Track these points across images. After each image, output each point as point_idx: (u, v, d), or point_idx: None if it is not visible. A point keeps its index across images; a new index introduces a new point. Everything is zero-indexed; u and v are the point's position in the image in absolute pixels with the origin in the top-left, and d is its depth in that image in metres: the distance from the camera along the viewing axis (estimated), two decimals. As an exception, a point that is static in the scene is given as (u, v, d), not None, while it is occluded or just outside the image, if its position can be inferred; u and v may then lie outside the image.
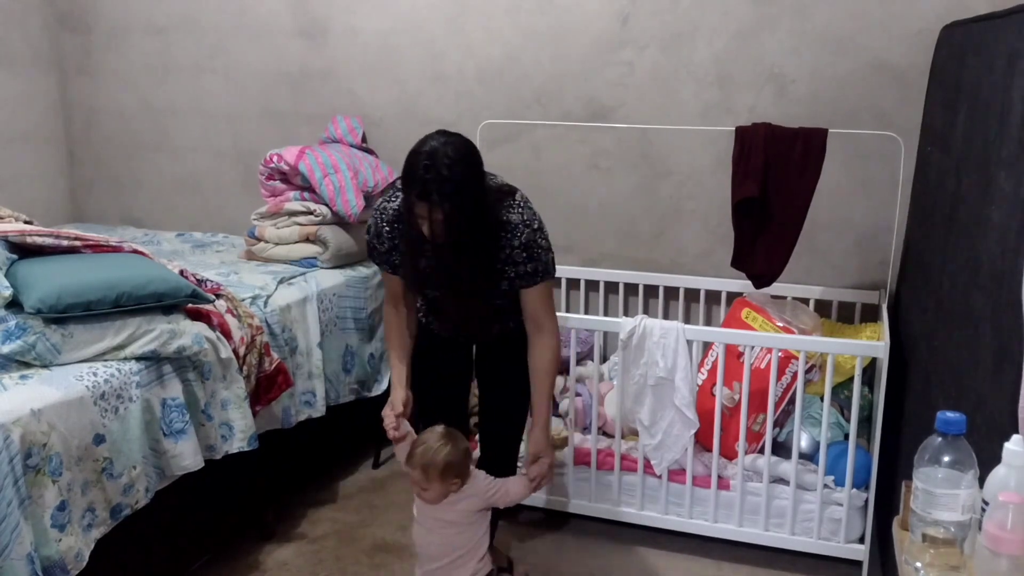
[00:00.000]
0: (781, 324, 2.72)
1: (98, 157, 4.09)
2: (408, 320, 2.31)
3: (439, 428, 2.14)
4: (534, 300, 2.18)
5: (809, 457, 2.70)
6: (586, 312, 3.37)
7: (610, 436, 2.89)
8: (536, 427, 2.28)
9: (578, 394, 2.95)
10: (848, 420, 2.64)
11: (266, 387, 2.64)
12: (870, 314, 3.06)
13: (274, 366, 2.66)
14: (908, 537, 1.23)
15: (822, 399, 2.60)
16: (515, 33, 3.31)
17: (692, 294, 3.26)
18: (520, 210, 2.11)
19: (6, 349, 2.06)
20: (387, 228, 2.18)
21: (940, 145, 2.44)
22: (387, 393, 3.33)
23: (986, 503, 1.13)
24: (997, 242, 1.62)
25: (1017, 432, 1.16)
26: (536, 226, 2.12)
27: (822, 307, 3.11)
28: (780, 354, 2.58)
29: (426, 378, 2.35)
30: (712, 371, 2.77)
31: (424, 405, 2.35)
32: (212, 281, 2.65)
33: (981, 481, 1.17)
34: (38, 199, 3.95)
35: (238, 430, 2.47)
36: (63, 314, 2.12)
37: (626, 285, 3.33)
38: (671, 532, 2.79)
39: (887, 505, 2.45)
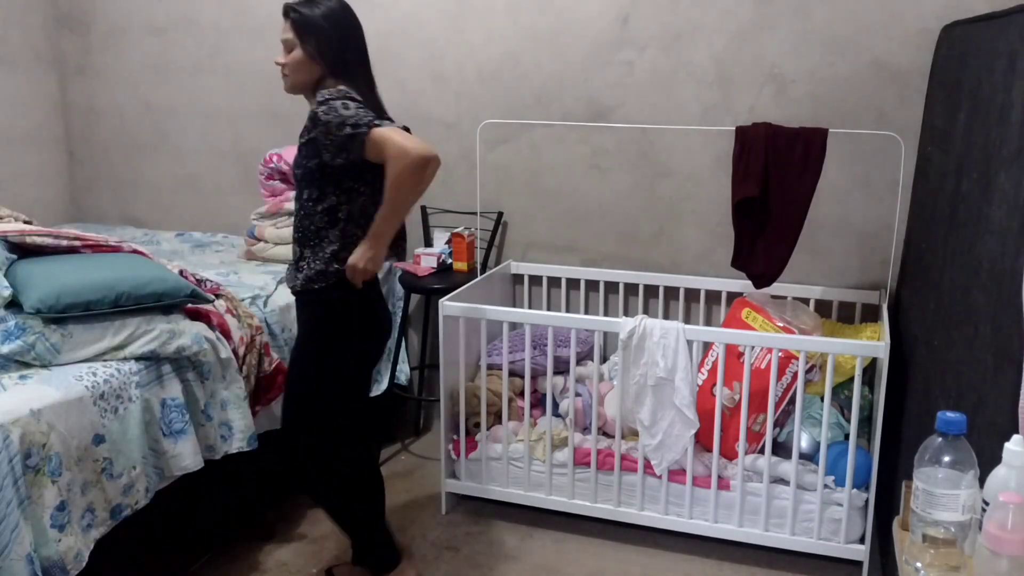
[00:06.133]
0: (781, 324, 2.72)
1: (98, 157, 4.09)
2: None
3: None
4: (374, 153, 2.02)
5: (809, 457, 2.70)
6: (586, 312, 3.37)
7: (610, 436, 2.89)
8: (362, 243, 2.13)
9: (578, 394, 2.94)
10: (848, 420, 2.64)
11: (266, 387, 2.64)
12: (870, 314, 3.06)
13: (274, 366, 2.66)
14: (908, 537, 1.23)
15: (822, 399, 2.60)
16: (515, 33, 3.31)
17: (692, 294, 3.26)
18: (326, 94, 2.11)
19: (5, 349, 2.07)
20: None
21: (940, 145, 2.44)
22: (387, 393, 3.37)
23: (986, 503, 1.13)
24: (997, 242, 1.62)
25: (1017, 432, 1.16)
26: (324, 98, 2.10)
27: (822, 307, 3.11)
28: (780, 354, 2.58)
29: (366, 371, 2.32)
30: (712, 371, 2.77)
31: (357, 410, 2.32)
32: (212, 281, 2.64)
33: (981, 481, 1.17)
34: (38, 199, 3.96)
35: (238, 430, 2.47)
36: (62, 314, 2.12)
37: (626, 285, 3.33)
38: (671, 532, 2.79)
39: (887, 505, 2.46)
